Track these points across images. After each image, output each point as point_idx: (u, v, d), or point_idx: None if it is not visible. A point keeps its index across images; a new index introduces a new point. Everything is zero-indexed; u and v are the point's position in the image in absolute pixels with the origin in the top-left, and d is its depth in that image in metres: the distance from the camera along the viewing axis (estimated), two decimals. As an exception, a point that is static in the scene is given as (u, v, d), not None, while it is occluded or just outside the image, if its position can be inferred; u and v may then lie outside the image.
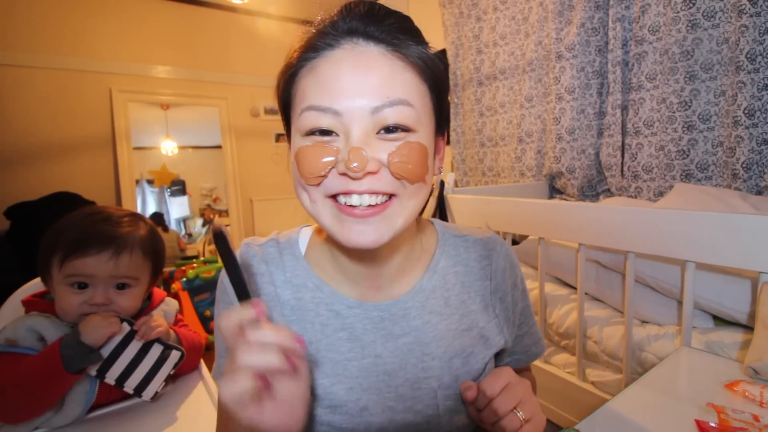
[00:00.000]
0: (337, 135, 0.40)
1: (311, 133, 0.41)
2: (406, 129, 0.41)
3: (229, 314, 0.34)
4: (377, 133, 0.40)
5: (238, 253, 0.50)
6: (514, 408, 0.44)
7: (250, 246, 0.52)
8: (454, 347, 0.50)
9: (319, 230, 0.54)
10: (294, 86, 0.44)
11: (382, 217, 0.41)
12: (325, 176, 0.40)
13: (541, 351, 0.63)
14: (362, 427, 0.46)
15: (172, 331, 0.79)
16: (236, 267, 0.36)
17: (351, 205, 0.40)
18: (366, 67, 0.40)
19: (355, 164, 0.37)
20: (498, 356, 0.57)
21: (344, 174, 0.39)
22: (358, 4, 0.42)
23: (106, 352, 0.68)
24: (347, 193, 0.40)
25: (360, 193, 0.40)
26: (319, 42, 0.41)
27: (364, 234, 0.41)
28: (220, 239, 0.35)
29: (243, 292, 0.36)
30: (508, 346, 0.57)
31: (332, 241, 0.47)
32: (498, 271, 0.56)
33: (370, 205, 0.40)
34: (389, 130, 0.40)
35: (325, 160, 0.40)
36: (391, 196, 0.41)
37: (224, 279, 0.50)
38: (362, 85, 0.39)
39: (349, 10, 0.42)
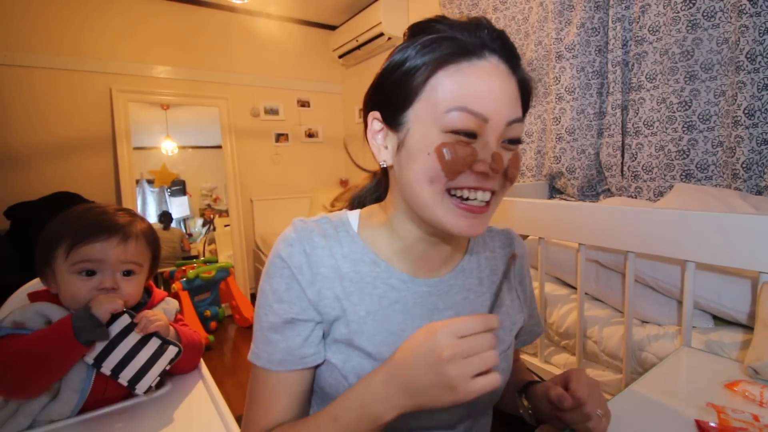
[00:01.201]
0: (475, 138, 0.45)
1: (455, 131, 0.44)
2: (519, 142, 0.49)
3: (490, 318, 0.41)
4: (502, 142, 0.47)
5: (290, 227, 0.54)
6: None
7: (306, 222, 0.54)
8: None
9: (372, 214, 0.58)
10: (433, 78, 0.46)
11: (488, 213, 0.49)
12: (462, 172, 0.45)
13: (541, 331, 0.73)
14: None
15: (171, 328, 0.79)
16: (503, 286, 0.45)
17: (466, 201, 0.46)
18: (507, 84, 0.46)
19: (497, 167, 0.45)
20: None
21: (481, 173, 0.45)
22: (498, 31, 0.47)
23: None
24: (475, 189, 0.46)
25: (485, 190, 0.47)
26: (470, 46, 0.45)
27: (476, 226, 0.48)
28: (510, 263, 0.49)
29: (495, 305, 0.45)
30: (524, 325, 0.65)
31: (403, 225, 0.53)
32: (518, 258, 0.66)
33: (485, 202, 0.47)
34: (511, 141, 0.48)
35: (467, 157, 0.44)
36: (492, 193, 0.48)
37: (282, 253, 0.52)
38: (505, 100, 0.46)
39: (491, 28, 0.47)
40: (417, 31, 0.49)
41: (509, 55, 0.47)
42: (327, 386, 0.53)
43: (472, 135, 0.45)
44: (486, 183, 0.46)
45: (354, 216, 0.58)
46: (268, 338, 0.51)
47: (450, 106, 0.44)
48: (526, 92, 0.51)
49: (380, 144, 0.52)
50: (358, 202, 0.66)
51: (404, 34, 0.51)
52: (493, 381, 0.39)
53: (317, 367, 0.53)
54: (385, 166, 0.52)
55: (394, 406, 0.42)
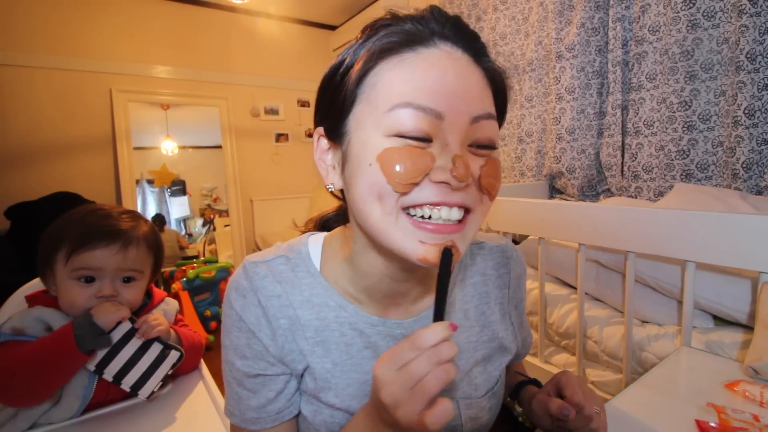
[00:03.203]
0: (430, 141, 0.37)
1: (401, 135, 0.36)
2: (492, 146, 0.40)
3: (435, 330, 0.33)
4: (468, 145, 0.38)
5: (241, 271, 0.47)
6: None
7: (257, 265, 0.47)
8: (475, 358, 0.51)
9: (335, 245, 0.49)
10: (372, 73, 0.38)
11: (461, 234, 0.39)
12: (416, 184, 0.36)
13: (531, 340, 0.66)
14: None
15: (172, 331, 0.79)
16: (447, 287, 0.36)
17: (426, 220, 0.37)
18: (466, 74, 0.38)
19: (461, 173, 0.35)
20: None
21: (442, 182, 0.36)
22: (443, 11, 0.40)
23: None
24: (437, 205, 0.37)
25: (451, 206, 0.37)
26: (415, 35, 0.38)
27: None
28: (446, 257, 0.36)
29: (442, 312, 0.36)
30: (518, 347, 0.59)
31: (365, 259, 0.44)
32: (514, 279, 0.57)
33: (456, 220, 0.38)
34: (480, 145, 0.39)
35: (421, 165, 0.36)
36: (467, 211, 0.39)
37: (235, 305, 0.45)
38: (465, 92, 0.38)
39: (441, 14, 0.40)
40: (363, 29, 0.42)
41: (468, 41, 0.40)
42: None
43: (425, 139, 0.36)
44: (450, 197, 0.37)
45: (316, 248, 0.50)
46: (237, 395, 0.46)
47: (392, 103, 0.36)
48: (499, 87, 0.43)
49: (329, 164, 0.43)
50: (326, 223, 0.58)
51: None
52: (442, 414, 0.32)
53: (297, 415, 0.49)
54: (332, 189, 0.44)
55: None
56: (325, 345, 0.46)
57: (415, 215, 0.37)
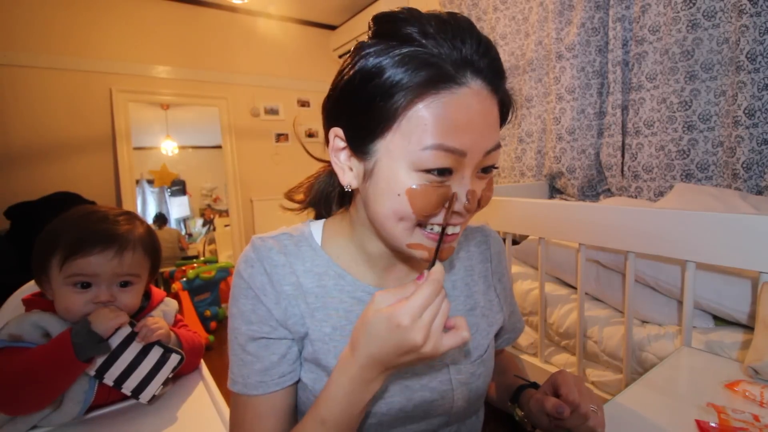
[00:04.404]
0: (451, 173, 0.41)
1: (427, 170, 0.40)
2: (495, 167, 0.45)
3: (439, 270, 0.40)
4: (478, 171, 0.44)
5: (249, 245, 0.52)
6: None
7: (265, 239, 0.52)
8: None
9: (337, 226, 0.55)
10: (409, 110, 0.40)
11: (458, 237, 0.46)
12: (435, 214, 0.43)
13: (523, 327, 0.71)
14: (384, 408, 0.49)
15: (172, 333, 0.78)
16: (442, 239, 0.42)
17: (434, 233, 0.44)
18: (488, 111, 0.42)
19: (471, 207, 0.43)
20: (495, 336, 0.63)
21: (457, 212, 0.43)
22: (483, 41, 0.41)
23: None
24: (447, 225, 0.43)
25: (456, 225, 0.45)
26: (449, 68, 0.39)
27: (446, 251, 0.45)
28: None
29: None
30: (505, 325, 0.63)
31: (369, 243, 0.51)
32: (495, 255, 0.64)
33: (455, 232, 0.45)
34: (485, 169, 0.44)
35: (442, 201, 0.41)
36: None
37: (243, 274, 0.50)
38: (485, 130, 0.42)
39: (475, 38, 0.40)
40: (386, 32, 0.41)
41: (494, 74, 0.42)
42: (299, 403, 0.51)
43: (447, 171, 0.41)
44: (458, 219, 0.44)
45: (317, 228, 0.55)
46: (242, 360, 0.49)
47: (426, 143, 0.39)
48: (506, 107, 0.47)
49: (344, 164, 0.46)
50: (325, 198, 0.59)
51: (369, 26, 0.43)
52: (467, 330, 0.40)
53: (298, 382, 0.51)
54: (350, 190, 0.47)
55: (375, 380, 0.41)
56: (325, 310, 0.50)
57: (425, 228, 0.44)
